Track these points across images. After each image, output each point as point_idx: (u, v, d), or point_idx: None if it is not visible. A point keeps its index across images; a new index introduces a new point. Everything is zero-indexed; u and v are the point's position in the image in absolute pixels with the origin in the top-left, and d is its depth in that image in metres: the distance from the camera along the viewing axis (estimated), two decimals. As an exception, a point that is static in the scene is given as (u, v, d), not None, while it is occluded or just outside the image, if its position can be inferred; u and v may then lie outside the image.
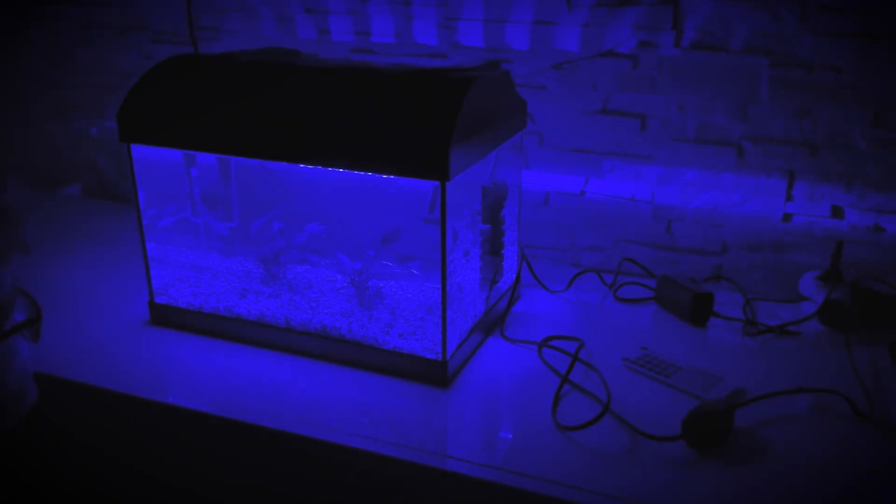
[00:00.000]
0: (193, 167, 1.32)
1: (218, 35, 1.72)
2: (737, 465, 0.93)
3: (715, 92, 1.38)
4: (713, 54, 1.36)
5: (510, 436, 1.01)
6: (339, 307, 1.22)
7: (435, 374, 1.09)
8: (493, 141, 1.15)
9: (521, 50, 1.48)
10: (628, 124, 1.45)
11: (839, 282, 1.30)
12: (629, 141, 1.46)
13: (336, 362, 1.15)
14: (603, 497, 0.87)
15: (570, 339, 1.22)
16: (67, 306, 1.33)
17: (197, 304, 1.25)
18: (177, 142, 1.17)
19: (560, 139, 1.51)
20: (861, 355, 1.18)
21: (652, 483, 0.89)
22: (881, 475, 0.92)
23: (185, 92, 1.18)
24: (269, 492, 1.05)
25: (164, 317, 1.27)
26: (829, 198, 1.37)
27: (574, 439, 0.97)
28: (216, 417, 1.03)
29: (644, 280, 1.44)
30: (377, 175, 1.04)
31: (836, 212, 1.38)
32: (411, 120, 1.03)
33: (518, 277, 1.36)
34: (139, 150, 1.20)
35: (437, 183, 1.00)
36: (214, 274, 1.33)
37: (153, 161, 1.24)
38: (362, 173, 1.05)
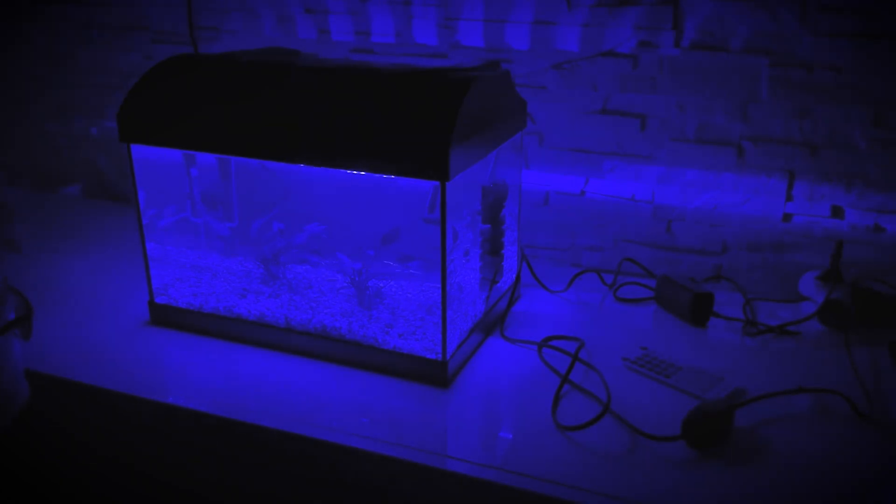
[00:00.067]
0: (193, 167, 1.32)
1: (218, 35, 1.72)
2: (737, 465, 0.93)
3: (715, 92, 1.38)
4: (713, 54, 1.36)
5: (510, 436, 1.01)
6: (339, 307, 1.22)
7: (435, 374, 1.09)
8: (493, 141, 1.15)
9: (521, 50, 1.48)
10: (628, 124, 1.45)
11: (839, 282, 1.30)
12: (629, 141, 1.46)
13: (336, 362, 1.15)
14: (603, 497, 0.87)
15: (570, 339, 1.22)
16: (67, 306, 1.33)
17: (197, 304, 1.25)
18: (177, 142, 1.17)
19: (560, 139, 1.51)
20: (861, 355, 1.18)
21: (652, 483, 0.89)
22: (881, 475, 0.92)
23: (185, 92, 1.18)
24: (269, 492, 1.05)
25: (164, 317, 1.27)
26: (829, 198, 1.37)
27: (574, 439, 0.97)
28: (216, 417, 1.03)
29: (644, 280, 1.44)
30: (377, 175, 1.04)
31: (836, 212, 1.38)
32: (411, 120, 1.03)
33: (518, 277, 1.36)
34: (139, 150, 1.20)
35: (437, 183, 1.00)
36: (214, 274, 1.33)
37: (153, 161, 1.24)
38: (362, 173, 1.05)
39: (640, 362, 1.14)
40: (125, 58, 1.83)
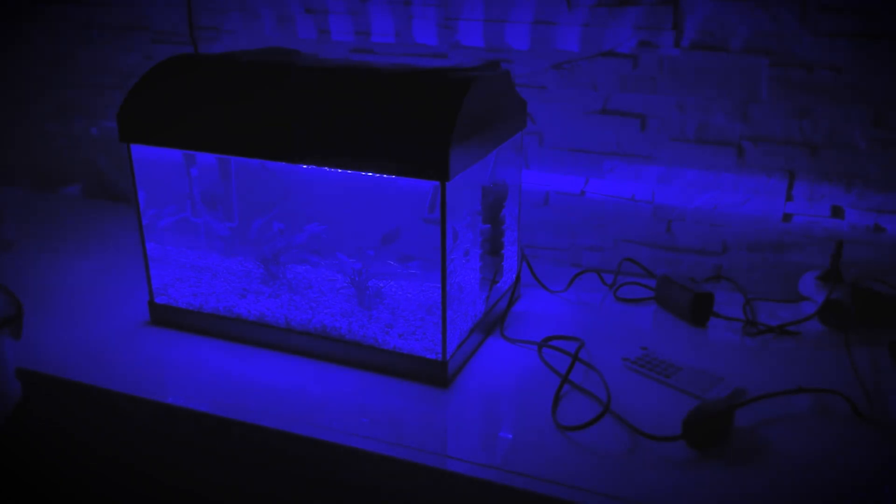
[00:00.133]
0: (193, 167, 1.32)
1: (218, 35, 1.72)
2: (737, 465, 0.93)
3: (715, 92, 1.38)
4: (713, 54, 1.36)
5: (510, 436, 1.01)
6: (339, 307, 1.22)
7: (435, 374, 1.09)
8: (493, 141, 1.15)
9: (521, 50, 1.48)
10: (628, 124, 1.45)
11: (839, 282, 1.30)
12: (629, 141, 1.46)
13: (336, 362, 1.15)
14: (603, 497, 0.87)
15: (570, 339, 1.22)
16: (67, 306, 1.33)
17: (197, 304, 1.25)
18: (177, 142, 1.17)
19: (560, 139, 1.51)
20: (861, 355, 1.18)
21: (652, 483, 0.89)
22: (881, 475, 0.92)
23: (185, 92, 1.18)
24: (269, 492, 1.05)
25: (164, 317, 1.27)
26: (829, 198, 1.37)
27: (574, 439, 0.97)
28: (216, 417, 1.03)
29: (644, 280, 1.44)
30: (377, 175, 1.04)
31: (836, 212, 1.38)
32: (411, 120, 1.03)
33: (518, 277, 1.36)
34: (139, 150, 1.20)
35: (437, 183, 1.00)
36: (214, 274, 1.33)
37: (153, 161, 1.24)
38: (362, 173, 1.05)
39: (640, 362, 1.14)
40: (125, 58, 1.83)
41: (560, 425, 1.00)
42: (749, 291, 1.41)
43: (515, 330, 1.26)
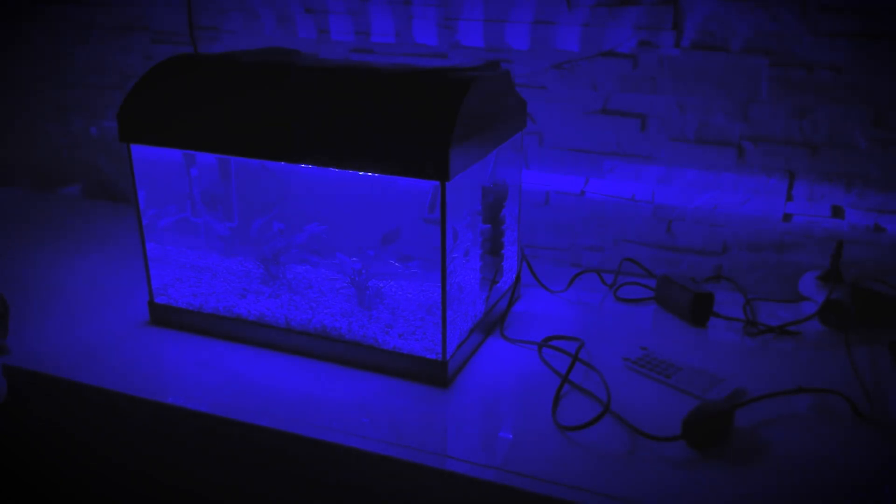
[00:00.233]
0: (193, 167, 1.32)
1: (218, 35, 1.72)
2: (737, 465, 0.93)
3: (715, 92, 1.38)
4: (713, 54, 1.36)
5: (510, 436, 1.00)
6: (339, 307, 1.22)
7: (435, 374, 1.09)
8: (493, 141, 1.15)
9: (521, 50, 1.48)
10: (628, 124, 1.45)
11: (839, 282, 1.30)
12: (629, 141, 1.46)
13: (336, 362, 1.15)
14: (603, 497, 0.87)
15: (570, 339, 1.22)
16: (67, 306, 1.33)
17: (197, 304, 1.25)
18: (177, 142, 1.17)
19: (560, 139, 1.51)
20: (861, 355, 1.18)
21: (652, 483, 0.89)
22: (881, 475, 0.92)
23: (185, 92, 1.18)
24: (269, 492, 1.05)
25: (164, 317, 1.27)
26: (829, 198, 1.37)
27: (574, 439, 0.97)
28: (216, 417, 1.03)
29: (644, 280, 1.44)
30: (377, 175, 1.04)
31: (837, 212, 1.38)
32: (411, 120, 1.03)
33: (518, 277, 1.36)
34: (139, 150, 1.20)
35: (437, 183, 1.00)
36: (214, 274, 1.33)
37: (153, 161, 1.24)
38: (362, 173, 1.05)
39: (641, 362, 1.14)
40: (125, 58, 1.83)
41: (560, 425, 1.00)
42: (749, 291, 1.41)
43: (515, 330, 1.26)
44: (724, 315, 1.29)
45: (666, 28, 1.37)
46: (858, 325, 1.24)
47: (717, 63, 1.36)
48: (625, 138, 1.46)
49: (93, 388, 1.09)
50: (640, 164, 1.47)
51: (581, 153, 1.50)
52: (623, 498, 0.87)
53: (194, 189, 1.33)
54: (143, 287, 1.31)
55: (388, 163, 1.01)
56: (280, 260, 1.30)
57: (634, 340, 1.22)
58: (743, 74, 1.35)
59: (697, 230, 1.47)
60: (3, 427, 1.20)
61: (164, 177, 1.31)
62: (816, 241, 1.40)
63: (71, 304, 1.34)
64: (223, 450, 1.05)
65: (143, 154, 1.21)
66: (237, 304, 1.24)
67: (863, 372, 1.13)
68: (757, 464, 0.93)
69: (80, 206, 1.90)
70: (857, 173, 1.34)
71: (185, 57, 1.25)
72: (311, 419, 1.01)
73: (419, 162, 0.99)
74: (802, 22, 1.30)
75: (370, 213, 1.20)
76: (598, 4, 1.40)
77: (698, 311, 1.27)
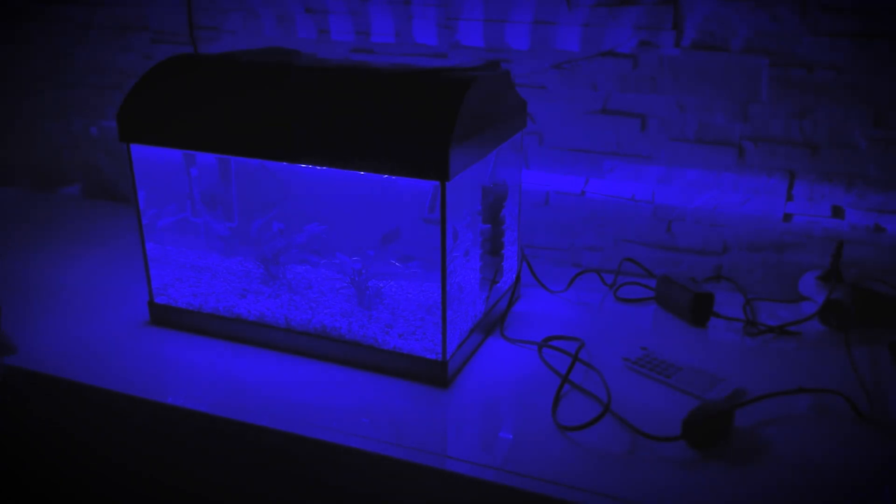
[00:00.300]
0: (193, 167, 1.32)
1: (218, 35, 1.72)
2: (737, 465, 0.93)
3: (715, 92, 1.38)
4: (713, 54, 1.36)
5: (510, 436, 1.00)
6: (339, 307, 1.22)
7: (435, 374, 1.09)
8: (493, 141, 1.15)
9: (521, 50, 1.48)
10: (628, 124, 1.45)
11: (839, 282, 1.30)
12: (629, 141, 1.46)
13: (336, 362, 1.15)
14: (603, 497, 0.87)
15: (570, 339, 1.22)
16: (67, 306, 1.33)
17: (197, 304, 1.25)
18: (177, 142, 1.17)
19: (560, 139, 1.51)
20: (861, 355, 1.18)
21: (652, 483, 0.89)
22: (881, 475, 0.92)
23: (185, 92, 1.18)
24: (269, 492, 1.05)
25: (164, 317, 1.27)
26: (829, 198, 1.37)
27: (574, 439, 0.97)
28: (216, 417, 1.03)
29: (644, 280, 1.44)
30: (377, 175, 1.04)
31: (837, 212, 1.38)
32: (411, 120, 1.03)
33: (518, 277, 1.36)
34: (139, 150, 1.20)
35: (437, 183, 1.00)
36: (214, 274, 1.33)
37: (153, 161, 1.24)
38: (362, 173, 1.05)
39: (641, 362, 1.14)
40: (125, 58, 1.83)
41: (560, 425, 1.00)
42: (749, 291, 1.41)
43: (515, 330, 1.26)
44: (724, 315, 1.29)
45: (666, 28, 1.37)
46: (858, 325, 1.24)
47: (718, 63, 1.36)
48: (625, 138, 1.46)
49: (93, 388, 1.09)
50: (640, 164, 1.47)
51: (581, 153, 1.50)
52: (623, 498, 0.87)
53: (194, 189, 1.33)
54: (143, 287, 1.31)
55: (388, 163, 1.01)
56: (280, 260, 1.30)
57: (634, 340, 1.22)
58: (743, 74, 1.35)
59: (697, 230, 1.47)
60: (3, 427, 1.20)
61: (164, 177, 1.31)
62: (816, 241, 1.40)
63: (71, 304, 1.34)
64: (223, 450, 1.05)
65: (143, 154, 1.21)
66: (237, 304, 1.24)
67: (863, 372, 1.13)
68: (757, 464, 0.93)
69: (80, 206, 1.90)
70: (857, 173, 1.34)
71: (185, 57, 1.25)
72: (311, 419, 1.01)
73: (419, 162, 0.99)
74: (802, 22, 1.30)
75: (370, 213, 1.20)
76: (598, 4, 1.40)
77: (698, 311, 1.27)
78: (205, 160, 1.32)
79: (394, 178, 1.04)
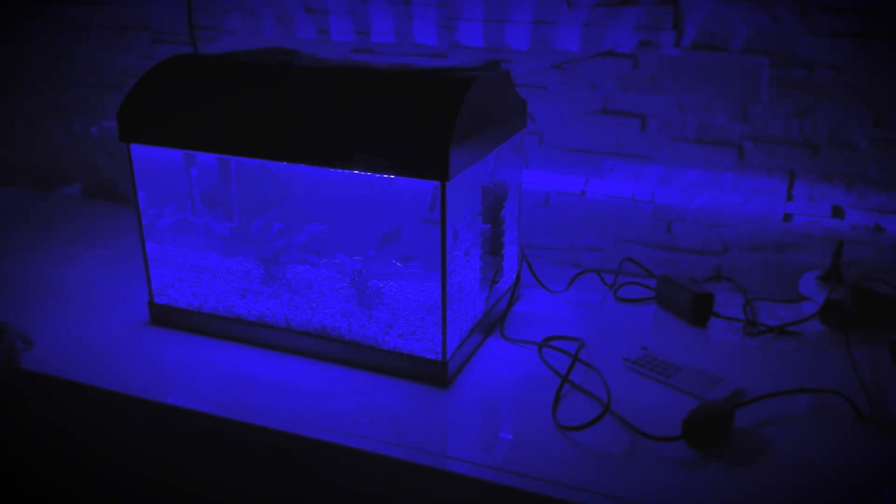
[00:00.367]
0: (193, 167, 1.32)
1: (218, 35, 1.72)
2: (737, 465, 0.93)
3: (715, 92, 1.38)
4: (713, 54, 1.36)
5: (510, 436, 1.00)
6: (339, 307, 1.22)
7: (435, 374, 1.09)
8: (493, 141, 1.15)
9: (521, 50, 1.48)
10: (628, 124, 1.45)
11: (839, 282, 1.30)
12: (629, 141, 1.46)
13: (336, 362, 1.15)
14: (603, 497, 0.87)
15: (570, 340, 1.22)
16: (67, 306, 1.33)
17: (197, 304, 1.25)
18: (177, 142, 1.17)
19: (560, 139, 1.51)
20: (861, 355, 1.18)
21: (652, 483, 0.89)
22: (881, 475, 0.92)
23: (185, 92, 1.18)
24: (269, 492, 1.05)
25: (164, 317, 1.27)
26: (829, 198, 1.37)
27: (574, 439, 0.97)
28: (216, 417, 1.03)
29: (644, 280, 1.44)
30: (377, 175, 1.04)
31: (837, 212, 1.38)
32: (411, 120, 1.03)
33: (518, 277, 1.36)
34: (139, 150, 1.20)
35: (437, 183, 1.00)
36: (214, 274, 1.33)
37: (153, 161, 1.24)
38: (362, 173, 1.05)
39: (641, 362, 1.14)
40: (124, 58, 1.83)
41: (560, 425, 1.00)
42: (749, 291, 1.41)
43: (515, 330, 1.26)
44: (724, 315, 1.29)
45: (666, 28, 1.37)
46: (858, 325, 1.24)
47: (717, 63, 1.36)
48: (625, 138, 1.46)
49: (93, 388, 1.09)
50: (640, 164, 1.47)
51: (581, 153, 1.50)
52: (623, 498, 0.87)
53: (194, 189, 1.33)
54: (143, 287, 1.31)
55: (388, 163, 1.01)
56: (280, 260, 1.30)
57: (634, 340, 1.22)
58: (743, 74, 1.35)
59: (697, 230, 1.47)
60: (3, 427, 1.20)
61: (164, 177, 1.31)
62: (816, 241, 1.40)
63: (71, 304, 1.34)
64: (223, 450, 1.05)
65: (143, 154, 1.21)
66: (237, 304, 1.24)
67: (863, 372, 1.13)
68: (757, 464, 0.93)
69: (80, 206, 1.90)
70: (857, 173, 1.34)
71: (185, 57, 1.25)
72: (311, 419, 1.01)
73: (419, 162, 0.99)
74: (802, 22, 1.30)
75: (370, 213, 1.20)
76: (598, 4, 1.40)
77: (698, 311, 1.27)
78: (205, 160, 1.32)
79: (394, 178, 1.04)
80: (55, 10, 1.85)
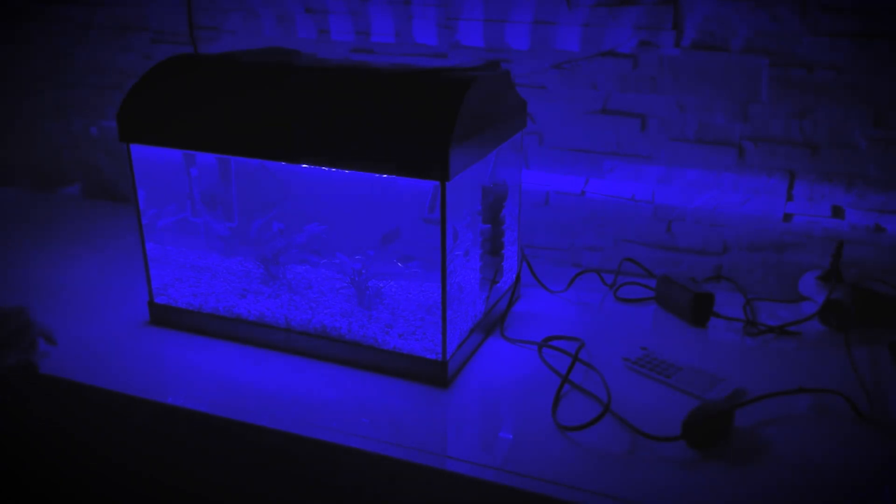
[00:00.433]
0: (193, 167, 1.32)
1: (218, 35, 1.72)
2: (737, 465, 0.93)
3: (715, 92, 1.38)
4: (713, 54, 1.36)
5: (510, 436, 1.00)
6: (339, 307, 1.22)
7: (435, 374, 1.09)
8: (493, 141, 1.15)
9: (521, 50, 1.48)
10: (628, 124, 1.45)
11: (839, 282, 1.30)
12: (629, 141, 1.46)
13: (336, 362, 1.15)
14: (603, 497, 0.87)
15: (570, 340, 1.22)
16: (67, 306, 1.33)
17: (197, 304, 1.25)
18: (177, 142, 1.17)
19: (560, 139, 1.51)
20: (861, 355, 1.18)
21: (652, 483, 0.89)
22: (881, 475, 0.92)
23: (185, 92, 1.18)
24: (268, 492, 1.05)
25: (164, 317, 1.27)
26: (829, 198, 1.37)
27: (574, 439, 0.97)
28: (216, 417, 1.03)
29: (644, 280, 1.44)
30: (377, 175, 1.04)
31: (837, 212, 1.38)
32: (411, 120, 1.03)
33: (518, 277, 1.36)
34: (139, 150, 1.20)
35: (437, 183, 1.00)
36: (214, 274, 1.33)
37: (153, 161, 1.24)
38: (362, 173, 1.05)
39: (641, 362, 1.14)
40: (125, 58, 1.83)
41: (560, 425, 1.00)
42: (749, 291, 1.41)
43: (515, 330, 1.26)
44: (724, 315, 1.29)
45: (666, 28, 1.37)
46: (858, 325, 1.24)
47: (717, 63, 1.36)
48: (625, 138, 1.46)
49: (93, 388, 1.09)
50: (640, 164, 1.47)
51: (581, 153, 1.50)
52: (623, 498, 0.87)
53: (194, 189, 1.33)
54: (142, 287, 1.31)
55: (388, 163, 1.01)
56: (280, 260, 1.30)
57: (634, 340, 1.22)
58: (743, 74, 1.35)
59: (697, 230, 1.47)
60: (3, 427, 1.20)
61: (164, 177, 1.31)
62: (816, 241, 1.40)
63: (71, 305, 1.34)
64: (223, 450, 1.05)
65: (143, 154, 1.21)
66: (237, 304, 1.24)
67: (863, 372, 1.13)
68: (757, 464, 0.93)
69: (80, 206, 1.90)
70: (857, 173, 1.34)
71: (185, 57, 1.25)
72: (311, 419, 1.01)
73: (419, 162, 0.99)
74: (802, 22, 1.30)
75: (370, 213, 1.20)
76: (598, 4, 1.40)
77: (698, 311, 1.27)
78: (205, 160, 1.32)
79: (394, 178, 1.03)
80: (55, 10, 1.85)
